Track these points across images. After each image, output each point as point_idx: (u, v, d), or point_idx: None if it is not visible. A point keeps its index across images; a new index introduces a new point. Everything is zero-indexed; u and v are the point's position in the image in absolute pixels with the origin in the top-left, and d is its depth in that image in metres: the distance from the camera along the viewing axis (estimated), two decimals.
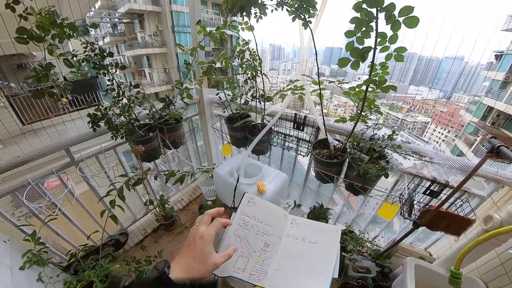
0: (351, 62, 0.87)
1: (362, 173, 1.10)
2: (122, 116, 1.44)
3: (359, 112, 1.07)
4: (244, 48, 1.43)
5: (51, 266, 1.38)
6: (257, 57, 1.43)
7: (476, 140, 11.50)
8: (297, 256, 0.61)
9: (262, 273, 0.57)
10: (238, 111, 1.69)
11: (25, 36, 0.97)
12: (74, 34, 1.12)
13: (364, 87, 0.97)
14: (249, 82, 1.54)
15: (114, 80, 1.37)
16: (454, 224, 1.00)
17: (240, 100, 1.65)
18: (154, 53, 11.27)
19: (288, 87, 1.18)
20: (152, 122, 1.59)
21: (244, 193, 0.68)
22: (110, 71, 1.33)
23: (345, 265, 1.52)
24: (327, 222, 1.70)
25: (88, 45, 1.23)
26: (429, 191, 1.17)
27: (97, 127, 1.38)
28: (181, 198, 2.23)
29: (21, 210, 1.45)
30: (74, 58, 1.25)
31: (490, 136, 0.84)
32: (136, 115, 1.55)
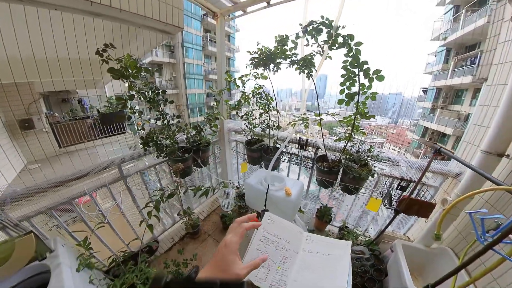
0: (345, 101, 1.18)
1: (356, 176, 1.34)
2: (168, 140, 1.59)
3: (349, 133, 1.36)
4: (259, 91, 1.74)
5: (95, 270, 1.36)
6: (270, 98, 1.73)
7: (421, 152, 13.07)
8: (313, 267, 0.58)
9: (282, 283, 0.54)
10: (253, 137, 1.92)
11: (118, 74, 1.20)
12: (145, 74, 1.33)
13: (353, 117, 1.27)
14: (263, 115, 1.82)
15: (163, 112, 1.55)
16: (423, 208, 1.21)
17: (255, 129, 1.90)
18: (168, 94, 12.49)
19: (300, 118, 1.47)
20: (188, 145, 1.75)
21: (265, 211, 0.67)
22: (160, 104, 1.52)
23: None
24: (331, 219, 1.85)
25: (149, 84, 1.43)
26: (400, 186, 1.42)
27: (148, 148, 1.52)
28: (202, 210, 2.27)
29: (54, 221, 1.40)
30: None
31: (434, 142, 1.14)
32: (176, 139, 1.71)
